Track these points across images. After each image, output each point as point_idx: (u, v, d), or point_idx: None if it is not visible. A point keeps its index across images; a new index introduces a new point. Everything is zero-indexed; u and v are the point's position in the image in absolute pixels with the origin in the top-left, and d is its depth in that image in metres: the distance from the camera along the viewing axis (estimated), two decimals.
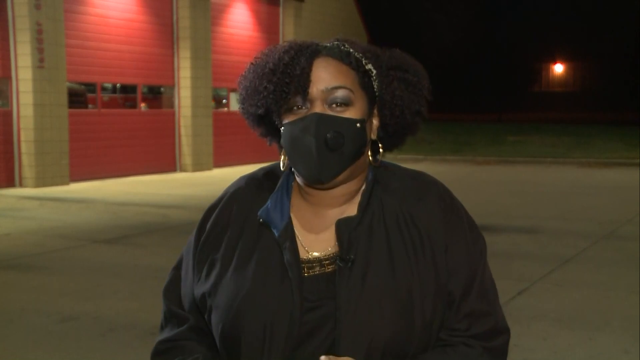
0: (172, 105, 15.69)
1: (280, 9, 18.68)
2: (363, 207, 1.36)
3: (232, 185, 1.49)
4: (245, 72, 1.40)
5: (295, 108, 1.32)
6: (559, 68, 43.06)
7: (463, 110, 37.50)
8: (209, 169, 15.74)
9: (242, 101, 1.40)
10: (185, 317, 1.46)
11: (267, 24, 18.20)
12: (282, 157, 1.40)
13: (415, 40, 36.53)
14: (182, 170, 15.54)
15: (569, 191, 12.20)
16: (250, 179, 1.48)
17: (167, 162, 15.39)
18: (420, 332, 1.32)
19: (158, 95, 15.86)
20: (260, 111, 1.36)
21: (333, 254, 1.36)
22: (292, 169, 1.41)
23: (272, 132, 1.42)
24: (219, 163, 15.91)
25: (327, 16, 20.97)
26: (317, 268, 1.36)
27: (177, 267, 1.51)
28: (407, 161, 18.28)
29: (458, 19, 36.83)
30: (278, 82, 1.31)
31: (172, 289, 1.50)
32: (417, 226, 1.37)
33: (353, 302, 1.30)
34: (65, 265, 6.49)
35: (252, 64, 1.40)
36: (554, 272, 6.26)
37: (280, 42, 1.41)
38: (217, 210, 1.45)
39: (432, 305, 1.34)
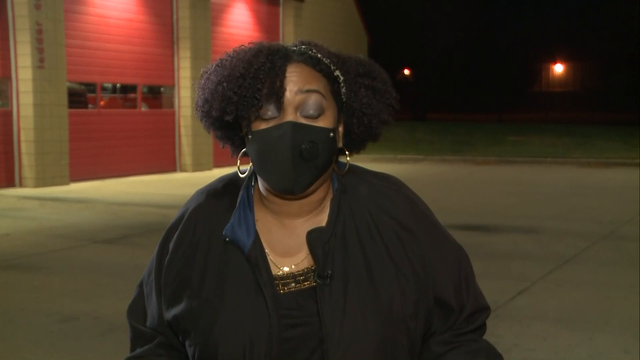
0: (172, 105, 15.69)
1: (280, 9, 18.68)
2: (334, 218, 1.33)
3: (191, 201, 1.44)
4: (208, 73, 1.34)
5: (266, 115, 1.27)
6: (559, 68, 43.04)
7: (463, 110, 37.47)
8: (209, 169, 15.74)
9: (203, 104, 1.33)
10: (151, 335, 1.43)
11: (267, 24, 18.20)
12: (243, 165, 1.36)
13: (415, 40, 36.54)
14: (182, 170, 15.54)
15: (569, 191, 12.19)
16: (209, 192, 1.42)
17: (167, 162, 15.39)
18: (405, 340, 1.32)
19: (158, 95, 15.87)
20: (228, 117, 1.29)
21: (306, 268, 1.33)
22: (251, 180, 1.37)
23: (230, 136, 1.37)
24: (219, 163, 15.90)
25: (327, 16, 20.97)
26: (293, 284, 1.33)
27: (140, 286, 1.47)
28: (408, 161, 18.28)
29: (458, 19, 36.79)
30: (249, 87, 1.25)
31: (137, 308, 1.46)
32: (390, 233, 1.34)
33: (338, 319, 1.27)
34: (65, 265, 6.49)
35: (217, 66, 1.33)
36: (554, 272, 6.26)
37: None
38: (179, 229, 1.39)
39: (414, 312, 1.33)
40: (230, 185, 1.42)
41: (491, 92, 37.70)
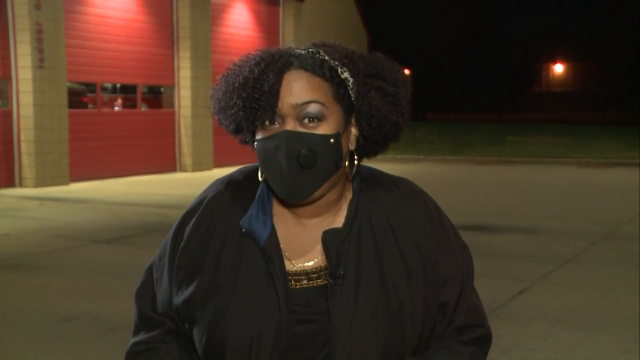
0: (172, 105, 15.69)
1: (280, 9, 18.68)
2: (350, 220, 1.34)
3: (210, 188, 1.44)
4: (217, 83, 1.37)
5: (267, 123, 1.29)
6: (559, 68, 43.02)
7: (463, 110, 37.48)
8: (209, 169, 15.75)
9: (216, 114, 1.37)
10: (159, 321, 1.43)
11: (267, 24, 18.20)
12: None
13: (415, 40, 36.53)
14: (182, 170, 15.55)
15: (569, 191, 12.20)
16: (229, 182, 1.43)
17: (167, 162, 15.40)
18: (411, 344, 1.33)
19: (158, 95, 15.87)
20: (231, 127, 1.34)
21: (320, 267, 1.34)
22: None
23: (252, 139, 1.38)
24: (219, 163, 15.91)
25: (327, 16, 20.97)
26: (305, 281, 1.34)
27: (149, 271, 1.47)
28: (408, 161, 18.28)
29: (458, 19, 36.80)
30: (247, 97, 1.27)
31: (145, 292, 1.46)
32: (406, 238, 1.35)
33: (347, 319, 1.28)
34: (65, 265, 6.49)
35: (223, 75, 1.36)
36: (554, 272, 6.26)
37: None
38: (196, 215, 1.40)
39: (422, 318, 1.34)
40: (250, 177, 1.43)
41: (491, 92, 37.70)
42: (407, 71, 40.19)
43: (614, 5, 36.24)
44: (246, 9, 17.52)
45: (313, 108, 1.27)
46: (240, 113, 1.29)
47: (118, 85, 15.10)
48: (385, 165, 16.55)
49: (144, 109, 15.21)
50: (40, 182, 12.26)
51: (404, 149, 19.26)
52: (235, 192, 1.41)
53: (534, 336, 4.55)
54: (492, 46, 37.82)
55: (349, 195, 1.39)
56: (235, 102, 1.29)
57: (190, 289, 1.36)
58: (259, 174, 1.39)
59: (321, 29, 20.01)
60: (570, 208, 10.15)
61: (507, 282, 5.81)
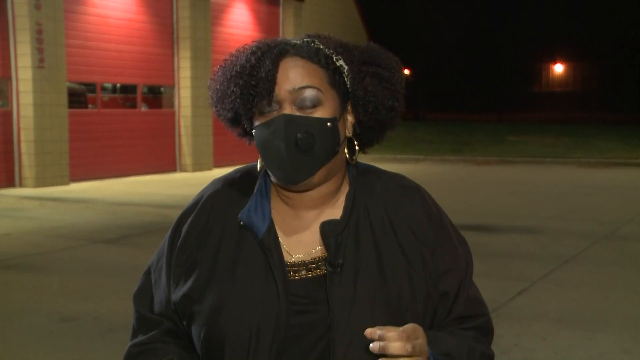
0: (172, 105, 15.69)
1: (280, 9, 18.69)
2: (348, 212, 1.35)
3: (208, 187, 1.46)
4: (215, 74, 1.39)
5: (264, 110, 1.30)
6: (559, 68, 43.02)
7: (463, 110, 37.50)
8: (209, 169, 15.75)
9: (215, 104, 1.38)
10: (158, 321, 1.43)
11: (267, 24, 18.20)
12: (259, 158, 1.38)
13: (415, 40, 36.53)
14: (182, 170, 15.55)
15: (569, 191, 12.20)
16: (226, 181, 1.45)
17: (167, 162, 15.40)
18: None
19: (158, 95, 15.87)
20: (229, 115, 1.35)
21: (319, 257, 1.35)
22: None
23: (249, 132, 1.39)
24: (219, 163, 15.92)
25: (327, 16, 20.98)
26: (303, 271, 1.34)
27: (147, 274, 1.48)
28: (408, 161, 18.28)
29: (458, 18, 36.81)
30: (244, 85, 1.29)
31: (143, 294, 1.47)
32: (404, 230, 1.36)
33: (347, 307, 1.29)
34: (65, 265, 6.49)
35: (221, 66, 1.38)
36: (554, 272, 6.26)
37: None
38: (193, 213, 1.41)
39: (423, 309, 1.34)
40: (247, 175, 1.44)
41: (491, 92, 37.71)
42: (407, 71, 40.25)
43: (614, 5, 36.24)
44: (246, 9, 17.52)
45: (309, 93, 1.29)
46: (238, 100, 1.31)
47: (118, 85, 15.10)
48: (385, 165, 16.41)
49: (144, 109, 15.22)
50: (40, 182, 12.26)
51: (404, 149, 19.26)
52: (232, 189, 1.42)
53: (534, 336, 4.55)
54: (492, 46, 37.81)
55: (346, 189, 1.40)
56: (233, 89, 1.31)
57: (189, 283, 1.36)
58: (258, 164, 1.40)
59: (321, 28, 19.81)
60: (570, 208, 10.15)
61: (507, 282, 5.81)
